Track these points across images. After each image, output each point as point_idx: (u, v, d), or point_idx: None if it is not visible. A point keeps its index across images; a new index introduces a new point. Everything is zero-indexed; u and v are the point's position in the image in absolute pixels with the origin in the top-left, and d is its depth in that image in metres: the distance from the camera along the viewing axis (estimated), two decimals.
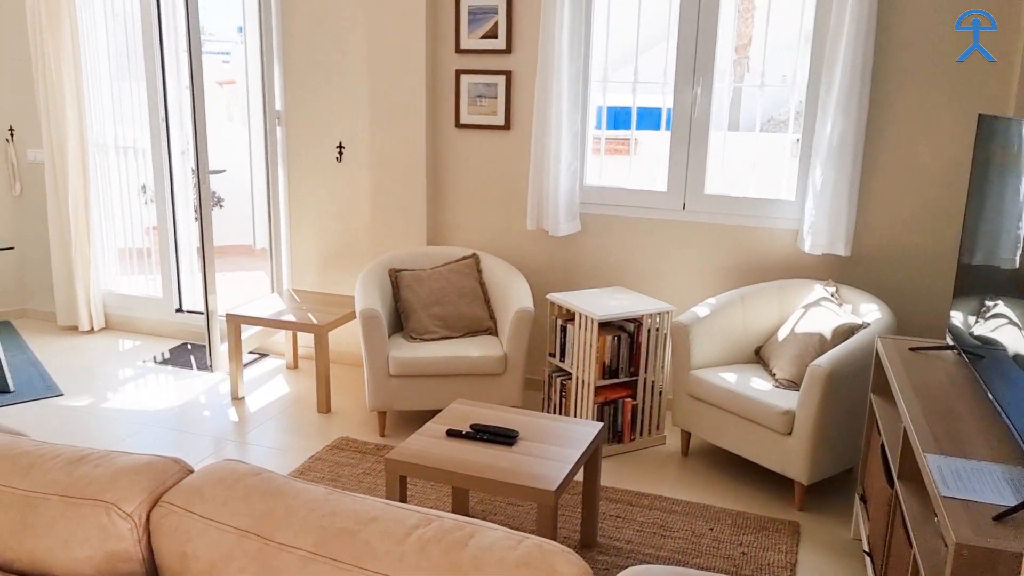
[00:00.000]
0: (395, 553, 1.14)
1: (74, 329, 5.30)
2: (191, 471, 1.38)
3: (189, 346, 5.11)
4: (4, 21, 5.14)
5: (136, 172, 5.35)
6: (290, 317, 4.19)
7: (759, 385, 3.44)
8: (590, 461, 2.94)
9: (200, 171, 4.18)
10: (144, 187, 5.53)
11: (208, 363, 4.62)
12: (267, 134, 4.65)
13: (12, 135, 5.33)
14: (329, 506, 1.23)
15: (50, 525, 1.27)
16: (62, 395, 4.31)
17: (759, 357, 3.72)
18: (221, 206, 7.58)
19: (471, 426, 2.85)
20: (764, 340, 3.74)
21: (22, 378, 4.47)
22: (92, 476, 1.31)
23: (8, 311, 5.48)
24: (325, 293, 4.65)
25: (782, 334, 3.61)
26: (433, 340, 3.95)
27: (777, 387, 3.42)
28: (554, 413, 3.77)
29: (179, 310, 5.25)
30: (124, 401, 4.26)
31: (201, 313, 5.16)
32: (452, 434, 2.83)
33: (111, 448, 3.80)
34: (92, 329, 5.30)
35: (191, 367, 4.75)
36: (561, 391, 3.88)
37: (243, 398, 4.31)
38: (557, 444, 2.78)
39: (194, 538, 1.22)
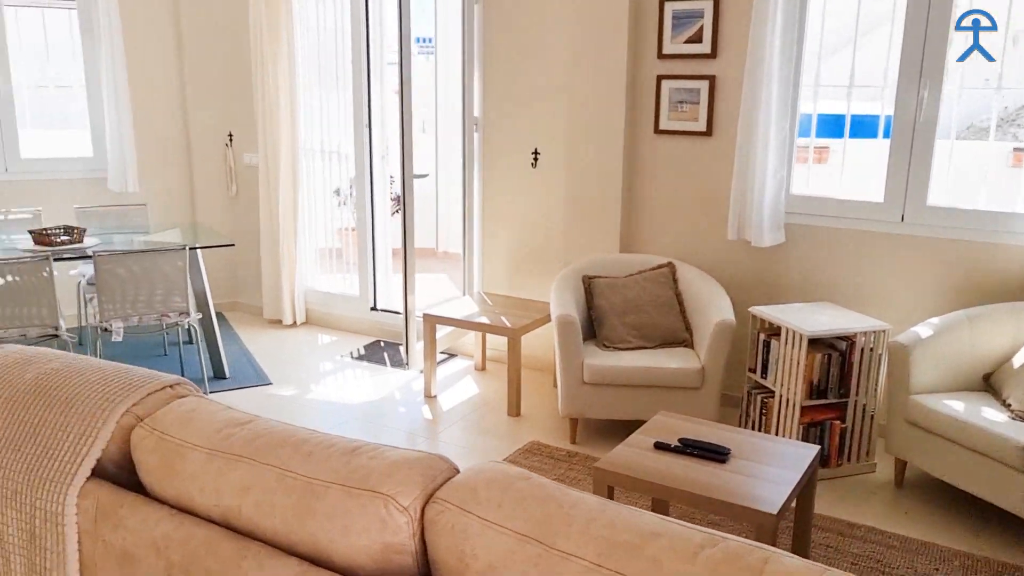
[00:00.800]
0: (686, 573, 1.09)
1: (278, 323, 5.64)
2: (458, 470, 1.39)
3: (382, 343, 5.31)
4: (229, 37, 5.56)
5: (337, 175, 5.63)
6: (484, 319, 4.26)
7: (991, 415, 3.14)
8: (805, 486, 2.78)
9: (405, 176, 4.33)
10: (338, 190, 5.82)
11: (404, 360, 4.78)
12: (465, 140, 4.76)
13: (231, 140, 5.76)
14: (606, 516, 1.20)
15: (330, 512, 1.32)
16: (271, 384, 4.59)
17: (989, 385, 3.40)
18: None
19: (680, 440, 2.77)
20: (996, 367, 3.42)
21: (236, 366, 4.80)
22: (369, 468, 1.34)
23: (222, 303, 5.92)
24: (515, 297, 4.69)
25: (1018, 361, 3.29)
26: (627, 349, 3.89)
27: (1013, 419, 3.11)
28: (752, 430, 3.61)
29: (374, 308, 5.47)
30: (326, 393, 4.48)
31: (395, 312, 5.36)
32: (660, 447, 2.76)
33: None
34: (294, 323, 5.62)
35: (385, 363, 4.93)
36: (761, 409, 3.72)
37: (435, 396, 4.42)
38: (772, 464, 2.65)
39: (472, 537, 1.23)
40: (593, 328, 4.06)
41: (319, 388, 4.54)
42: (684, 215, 4.28)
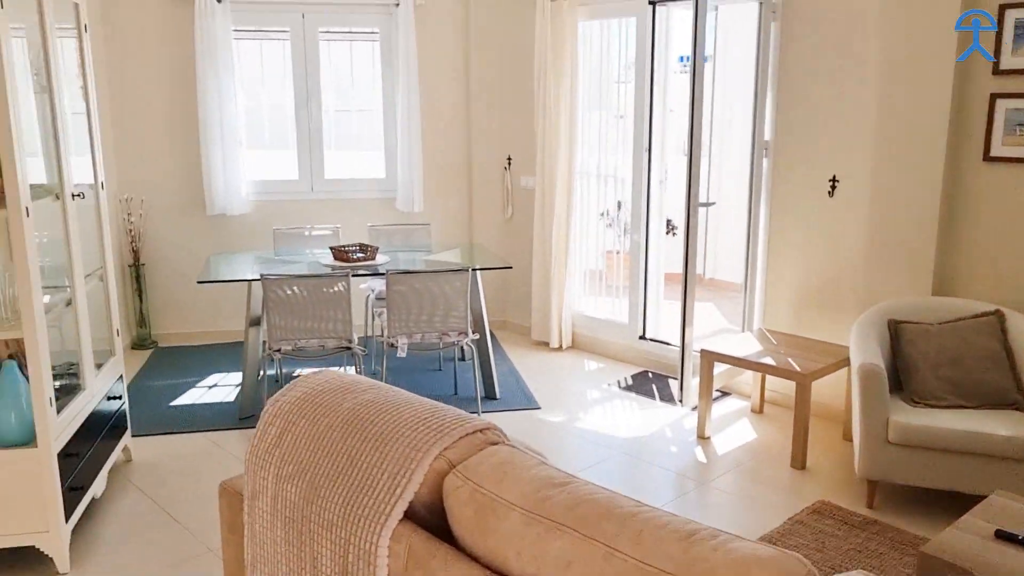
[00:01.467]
0: None
1: (544, 345, 5.65)
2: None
3: (650, 374, 5.12)
4: (512, 63, 5.69)
5: (607, 198, 5.55)
6: (769, 360, 3.92)
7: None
8: None
9: (691, 204, 4.12)
10: (606, 212, 5.72)
11: (676, 396, 4.55)
12: (753, 165, 4.45)
13: (509, 164, 5.88)
14: None
15: None
16: (539, 408, 4.56)
17: None
18: (674, 233, 7.64)
19: None
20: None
21: (505, 386, 4.85)
22: (712, 561, 1.16)
23: (492, 322, 6.05)
24: (802, 337, 4.30)
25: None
26: (941, 407, 3.38)
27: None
28: None
29: (643, 337, 5.31)
30: (593, 423, 4.37)
31: (665, 343, 5.15)
32: (1004, 537, 2.31)
33: (581, 471, 3.97)
34: (560, 347, 5.60)
35: (653, 396, 4.74)
36: None
37: (709, 438, 4.15)
38: None
39: None
40: (898, 379, 3.59)
41: (586, 417, 4.45)
42: (1018, 256, 3.67)
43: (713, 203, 6.58)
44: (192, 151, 5.56)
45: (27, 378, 2.86)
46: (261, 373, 4.77)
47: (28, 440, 2.89)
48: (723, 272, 7.49)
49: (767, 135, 4.38)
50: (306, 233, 5.33)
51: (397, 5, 5.55)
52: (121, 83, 5.41)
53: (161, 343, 5.73)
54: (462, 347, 5.23)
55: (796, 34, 4.20)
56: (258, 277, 4.20)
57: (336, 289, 4.04)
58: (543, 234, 5.52)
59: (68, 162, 3.28)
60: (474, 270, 4.30)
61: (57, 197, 3.23)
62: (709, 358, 4.08)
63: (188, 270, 5.70)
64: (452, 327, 4.27)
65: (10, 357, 3.07)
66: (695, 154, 4.12)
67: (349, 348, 4.17)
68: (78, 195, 3.40)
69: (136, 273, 5.56)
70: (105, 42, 5.35)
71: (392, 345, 4.20)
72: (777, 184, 4.39)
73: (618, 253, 5.76)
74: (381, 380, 4.35)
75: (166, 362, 5.34)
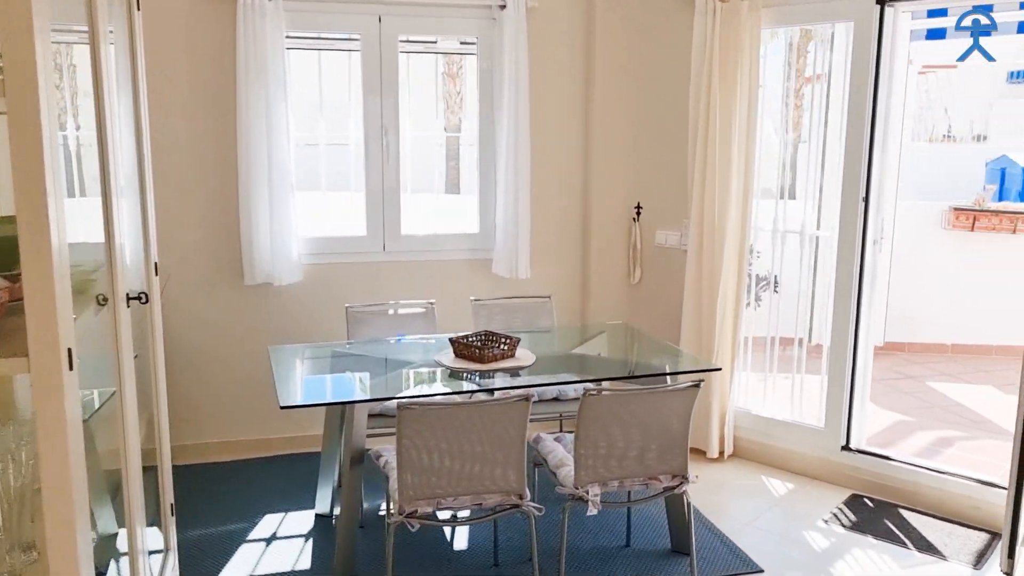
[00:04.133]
0: None
1: (699, 454, 4.27)
2: None
3: (867, 502, 3.78)
4: (654, 84, 4.37)
5: (782, 262, 4.23)
6: None
7: None
8: None
9: None
10: (769, 279, 4.43)
11: (974, 554, 3.21)
12: None
13: (638, 214, 4.53)
14: None
15: None
16: (762, 574, 3.18)
17: None
18: (776, 291, 6.36)
19: None
20: None
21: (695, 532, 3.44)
22: None
23: None
24: None
25: None
26: None
27: None
28: None
29: (847, 448, 3.96)
30: None
31: (883, 457, 3.82)
32: None
33: None
34: (721, 455, 4.23)
35: (904, 544, 3.39)
36: None
37: None
38: None
39: None
40: None
41: None
42: None
43: None
44: (226, 198, 4.09)
45: None
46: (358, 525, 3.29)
47: None
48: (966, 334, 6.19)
49: None
50: (390, 312, 3.89)
51: (503, 7, 4.20)
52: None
53: (177, 459, 4.19)
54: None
55: None
56: (376, 398, 2.77)
57: (509, 417, 2.61)
58: (698, 307, 4.17)
59: (120, 240, 1.84)
60: (696, 385, 2.90)
61: (103, 301, 1.79)
62: None
63: (218, 362, 4.20)
64: (664, 469, 2.87)
65: None
66: None
67: (518, 506, 2.74)
68: (136, 298, 1.96)
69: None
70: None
71: (581, 499, 2.78)
72: None
73: (800, 342, 4.43)
74: (562, 549, 2.90)
75: (194, 495, 3.81)
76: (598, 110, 4.46)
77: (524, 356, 3.30)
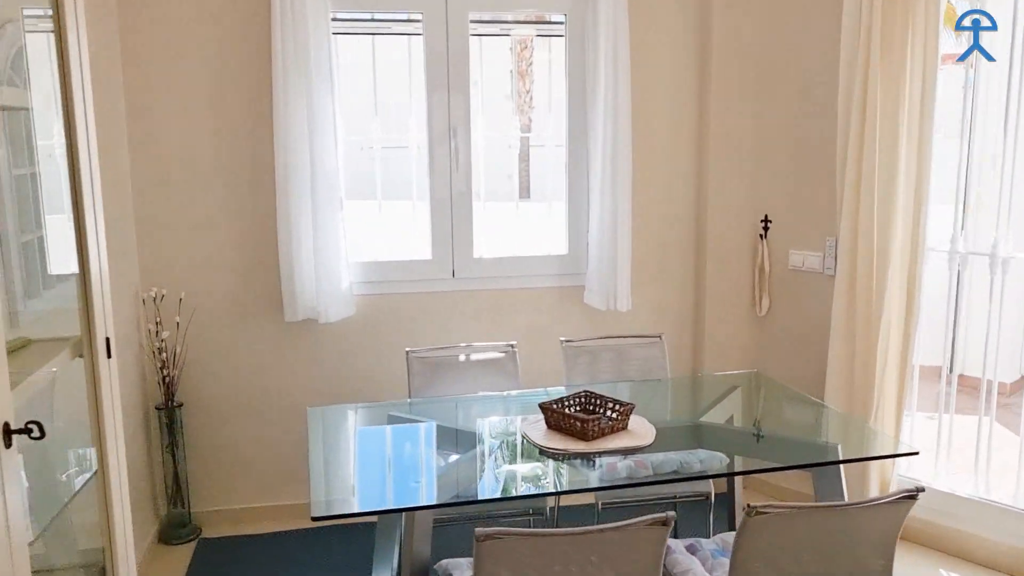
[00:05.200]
0: None
1: None
2: None
3: None
4: (787, 69, 3.48)
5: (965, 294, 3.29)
6: None
7: None
8: None
9: None
10: None
11: None
12: None
13: (766, 229, 3.64)
14: None
15: None
16: None
17: None
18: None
19: None
20: None
21: None
22: None
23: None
24: None
25: None
26: None
27: None
28: None
29: None
30: None
31: None
32: None
33: None
34: None
35: None
36: None
37: None
38: None
39: None
40: None
41: None
42: None
43: None
44: (261, 214, 3.36)
45: None
46: None
47: None
48: None
49: None
50: (461, 358, 3.09)
51: None
52: (141, 102, 3.23)
53: (207, 531, 3.48)
54: None
55: None
56: (443, 503, 1.97)
57: (638, 551, 1.77)
58: (850, 352, 3.26)
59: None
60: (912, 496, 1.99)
61: None
62: None
63: (252, 413, 3.48)
64: None
65: None
66: None
67: None
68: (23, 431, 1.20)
69: (169, 419, 3.33)
70: (119, 35, 3.18)
71: None
72: None
73: (988, 396, 3.47)
74: None
75: (224, 572, 3.08)
76: (716, 101, 3.59)
77: (640, 428, 2.46)
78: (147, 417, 3.34)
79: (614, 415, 2.44)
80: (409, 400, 2.89)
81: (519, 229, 3.67)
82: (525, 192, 6.41)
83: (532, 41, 7.13)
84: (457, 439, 2.60)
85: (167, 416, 3.34)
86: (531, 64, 7.25)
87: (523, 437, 2.45)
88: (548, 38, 3.90)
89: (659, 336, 3.21)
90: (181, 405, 3.37)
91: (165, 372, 3.30)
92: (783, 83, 3.51)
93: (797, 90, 3.47)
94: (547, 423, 2.46)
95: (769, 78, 3.55)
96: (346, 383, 3.48)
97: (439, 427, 2.68)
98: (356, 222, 3.57)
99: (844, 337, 3.28)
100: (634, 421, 2.49)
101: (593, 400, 2.54)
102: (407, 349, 3.02)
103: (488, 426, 2.67)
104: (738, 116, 3.61)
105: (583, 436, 2.35)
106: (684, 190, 3.72)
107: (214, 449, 3.47)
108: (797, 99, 3.47)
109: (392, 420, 2.78)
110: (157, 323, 3.27)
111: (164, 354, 3.29)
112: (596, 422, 2.35)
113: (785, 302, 3.64)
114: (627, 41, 3.40)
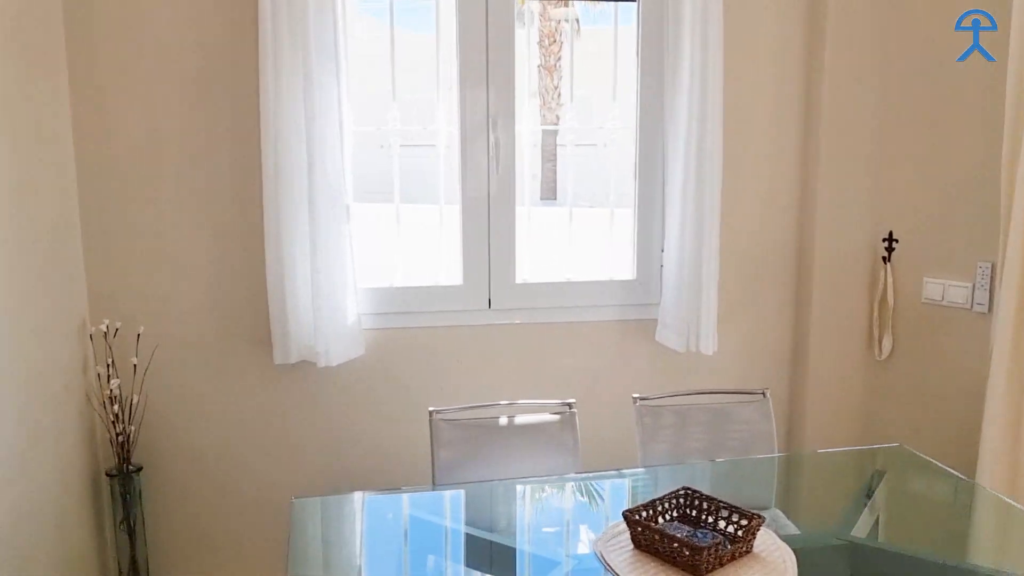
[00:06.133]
0: None
1: None
2: None
3: None
4: (917, 55, 2.68)
5: None
6: None
7: None
8: None
9: None
10: None
11: None
12: None
13: (890, 251, 2.84)
14: None
15: None
16: None
17: None
18: None
19: None
20: None
21: None
22: None
23: None
24: None
25: None
26: None
27: None
28: None
29: None
30: None
31: None
32: None
33: None
34: None
35: None
36: None
37: None
38: None
39: None
40: None
41: None
42: None
43: None
44: (245, 226, 2.60)
45: None
46: None
47: None
48: None
49: None
50: (502, 422, 2.32)
51: None
52: (88, 79, 2.49)
53: None
54: None
55: None
56: None
57: None
58: (1018, 411, 2.45)
59: None
60: None
61: None
62: None
63: (231, 480, 2.73)
64: None
65: None
66: None
67: None
68: None
69: (124, 488, 2.58)
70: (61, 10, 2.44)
71: None
72: None
73: None
74: None
75: None
76: (828, 92, 2.80)
77: (770, 552, 1.67)
78: (96, 486, 2.59)
79: (734, 528, 1.66)
80: (432, 486, 2.12)
81: (570, 245, 2.90)
82: (550, 193, 5.83)
83: (559, 35, 6.38)
84: (492, 558, 1.81)
85: (122, 484, 2.59)
86: (559, 59, 6.59)
87: (600, 559, 1.67)
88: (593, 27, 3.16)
89: (763, 392, 2.42)
90: (140, 470, 2.62)
91: (119, 428, 2.55)
92: (921, 59, 2.72)
93: (940, 67, 2.67)
94: (634, 541, 1.68)
95: (896, 62, 2.76)
96: (350, 447, 2.73)
97: (470, 540, 1.89)
98: (367, 237, 2.82)
99: (1007, 395, 2.47)
100: (763, 539, 1.70)
101: (697, 504, 1.75)
102: (431, 408, 2.26)
103: (544, 541, 1.89)
104: (854, 109, 2.82)
105: (693, 569, 1.57)
106: (785, 199, 2.92)
107: (180, 525, 2.71)
108: (940, 80, 2.67)
109: (408, 524, 2.00)
110: (109, 365, 2.53)
111: (117, 405, 2.54)
112: (713, 550, 1.57)
113: (914, 344, 2.83)
114: (720, 14, 2.62)
